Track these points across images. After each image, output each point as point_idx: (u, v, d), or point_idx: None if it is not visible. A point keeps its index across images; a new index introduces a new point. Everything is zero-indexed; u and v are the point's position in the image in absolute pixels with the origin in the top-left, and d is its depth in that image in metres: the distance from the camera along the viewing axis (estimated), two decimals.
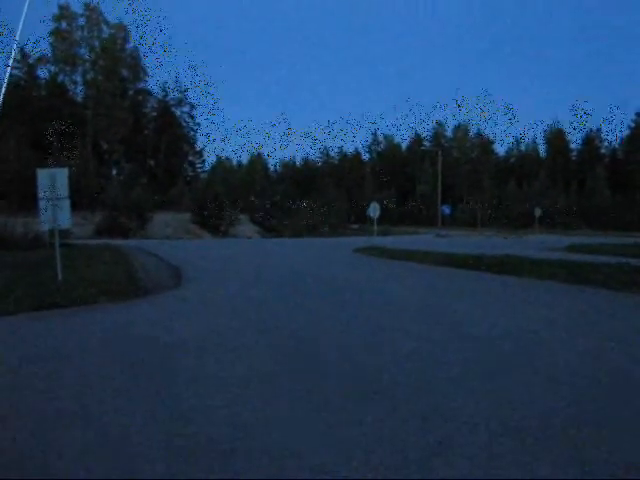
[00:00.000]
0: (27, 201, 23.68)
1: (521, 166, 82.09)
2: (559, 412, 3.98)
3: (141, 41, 62.22)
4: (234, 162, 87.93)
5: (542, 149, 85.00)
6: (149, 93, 66.74)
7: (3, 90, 35.32)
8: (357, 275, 14.24)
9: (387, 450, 3.34)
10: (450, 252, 18.78)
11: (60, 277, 10.81)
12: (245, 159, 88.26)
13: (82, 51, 60.37)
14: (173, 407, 4.10)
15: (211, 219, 45.70)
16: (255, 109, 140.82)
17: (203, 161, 75.55)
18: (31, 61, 58.17)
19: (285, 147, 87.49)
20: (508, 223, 59.66)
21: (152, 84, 67.42)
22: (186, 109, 68.97)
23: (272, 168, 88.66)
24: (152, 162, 63.78)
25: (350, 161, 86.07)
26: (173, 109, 67.92)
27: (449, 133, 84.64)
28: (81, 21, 59.15)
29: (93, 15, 59.25)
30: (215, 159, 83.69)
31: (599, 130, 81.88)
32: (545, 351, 5.80)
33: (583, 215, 62.81)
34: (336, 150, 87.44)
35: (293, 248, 26.82)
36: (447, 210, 60.19)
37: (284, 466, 3.15)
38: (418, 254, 18.87)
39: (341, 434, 3.59)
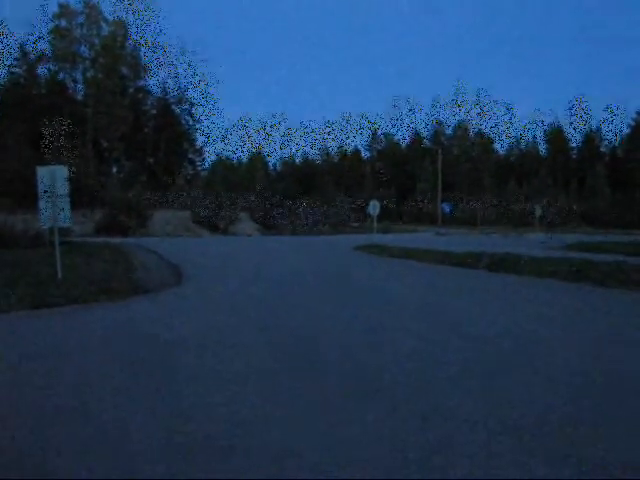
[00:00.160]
0: (27, 199, 23.68)
1: (521, 165, 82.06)
2: (557, 410, 3.99)
3: (141, 41, 62.02)
4: (234, 160, 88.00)
5: (542, 148, 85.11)
6: (149, 91, 66.75)
7: None
8: (357, 273, 14.25)
9: (387, 449, 3.35)
10: (450, 250, 18.78)
11: (60, 275, 10.82)
12: (245, 157, 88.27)
13: (82, 49, 60.35)
14: (173, 404, 4.11)
15: (211, 217, 45.70)
16: (255, 108, 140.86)
17: (203, 159, 75.51)
18: (31, 59, 58.14)
19: (285, 146, 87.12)
20: (508, 221, 59.67)
21: (152, 83, 67.43)
22: (186, 107, 68.95)
23: (272, 166, 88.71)
24: (152, 160, 63.76)
25: (350, 159, 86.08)
26: (173, 107, 67.89)
27: (449, 132, 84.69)
28: (81, 19, 59.15)
29: (93, 13, 59.20)
30: (215, 157, 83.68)
31: (599, 129, 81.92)
32: (543, 349, 5.81)
33: (583, 214, 62.81)
34: (336, 149, 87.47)
35: (293, 246, 26.81)
36: (447, 208, 60.18)
37: (283, 466, 3.16)
38: (418, 252, 18.86)
39: (341, 433, 3.60)
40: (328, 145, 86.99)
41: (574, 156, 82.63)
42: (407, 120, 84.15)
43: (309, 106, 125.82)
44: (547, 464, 3.13)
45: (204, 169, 74.44)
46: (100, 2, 58.42)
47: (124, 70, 62.32)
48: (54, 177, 11.16)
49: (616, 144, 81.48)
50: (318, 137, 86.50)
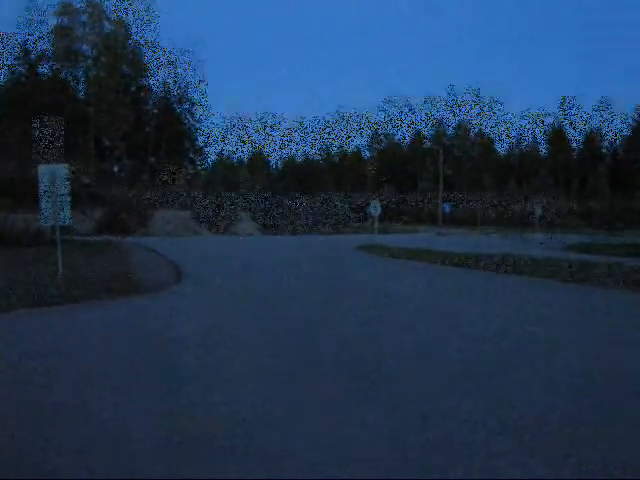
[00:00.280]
0: (28, 198, 23.69)
1: (521, 165, 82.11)
2: (557, 410, 3.99)
3: (141, 41, 62.10)
4: (235, 160, 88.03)
5: (543, 148, 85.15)
6: (150, 89, 66.79)
7: None
8: (359, 274, 14.25)
9: (387, 448, 3.36)
10: (450, 251, 18.78)
11: (61, 273, 10.83)
12: (245, 157, 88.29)
13: (84, 48, 60.40)
14: (172, 403, 4.11)
15: (211, 217, 45.75)
16: (255, 108, 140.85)
17: (204, 159, 75.57)
18: (33, 58, 58.16)
19: (285, 146, 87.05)
20: (508, 222, 59.66)
21: (153, 82, 67.47)
22: (187, 106, 69.00)
23: (273, 166, 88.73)
24: (153, 159, 63.81)
25: (351, 159, 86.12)
26: (174, 106, 67.95)
27: (450, 132, 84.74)
28: (83, 17, 59.19)
29: (95, 12, 59.23)
30: (216, 157, 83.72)
31: (599, 129, 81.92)
32: (543, 350, 5.81)
33: (583, 214, 62.80)
34: (336, 148, 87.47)
35: (293, 246, 26.81)
36: (447, 208, 60.11)
37: (282, 465, 3.16)
38: (418, 252, 18.87)
39: (341, 434, 3.60)
40: (329, 145, 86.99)
41: (575, 156, 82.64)
42: (407, 120, 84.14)
43: (310, 105, 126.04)
44: (547, 464, 3.14)
45: (205, 168, 74.52)
46: (101, 1, 58.38)
47: (125, 69, 62.35)
48: (55, 176, 11.16)
49: (616, 145, 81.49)
50: (318, 137, 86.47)
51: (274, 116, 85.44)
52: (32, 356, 5.48)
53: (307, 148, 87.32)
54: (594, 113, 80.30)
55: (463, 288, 11.35)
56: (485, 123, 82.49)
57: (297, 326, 7.07)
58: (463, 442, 3.42)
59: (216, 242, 30.37)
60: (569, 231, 46.93)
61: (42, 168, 11.42)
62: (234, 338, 6.35)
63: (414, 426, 3.68)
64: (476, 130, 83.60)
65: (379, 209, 28.63)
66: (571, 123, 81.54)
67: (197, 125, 69.56)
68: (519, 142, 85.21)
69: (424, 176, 74.63)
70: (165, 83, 66.51)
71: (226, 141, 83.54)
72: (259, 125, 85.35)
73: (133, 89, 64.51)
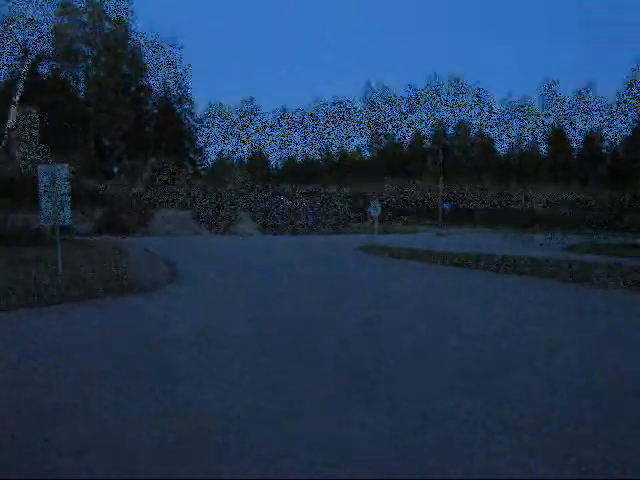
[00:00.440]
0: (28, 198, 23.70)
1: (522, 165, 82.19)
2: (557, 410, 3.99)
3: (141, 41, 62.18)
4: (235, 160, 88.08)
5: (543, 148, 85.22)
6: (150, 89, 66.84)
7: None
8: (359, 274, 14.25)
9: (387, 448, 3.35)
10: (450, 251, 18.78)
11: (60, 273, 10.83)
12: (246, 157, 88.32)
13: (84, 48, 60.42)
14: (168, 402, 4.11)
15: (211, 217, 45.79)
16: (255, 108, 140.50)
17: (204, 158, 75.64)
18: (33, 58, 58.18)
19: (286, 146, 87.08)
20: (508, 222, 59.70)
21: (153, 82, 67.50)
22: (187, 106, 69.05)
23: (273, 166, 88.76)
24: (153, 159, 63.85)
25: (351, 159, 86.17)
26: (174, 106, 68.00)
27: (450, 132, 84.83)
28: (83, 17, 59.22)
29: (95, 12, 59.26)
30: (216, 157, 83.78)
31: (600, 129, 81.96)
32: (543, 350, 5.81)
33: (584, 214, 62.86)
34: (336, 149, 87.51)
35: (293, 246, 26.82)
36: (447, 207, 60.22)
37: (279, 465, 3.16)
38: (418, 253, 18.88)
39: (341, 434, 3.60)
40: (329, 144, 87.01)
41: (575, 156, 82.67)
42: (408, 120, 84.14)
43: (309, 105, 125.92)
44: (547, 464, 3.14)
45: (205, 168, 74.54)
46: (101, 1, 58.36)
47: (125, 69, 62.38)
48: (55, 176, 11.17)
49: (616, 145, 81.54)
50: (318, 137, 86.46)
51: (274, 116, 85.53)
52: (32, 356, 5.48)
53: (307, 148, 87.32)
54: (575, 100, 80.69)
55: (463, 288, 11.36)
56: (486, 121, 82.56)
57: (295, 325, 7.07)
58: (463, 442, 3.42)
59: (216, 242, 30.38)
60: (570, 231, 46.94)
61: (42, 168, 11.43)
62: (230, 337, 6.35)
63: (414, 426, 3.68)
64: (476, 130, 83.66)
65: (379, 209, 28.68)
66: (571, 123, 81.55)
67: (198, 125, 69.61)
68: (519, 142, 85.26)
69: (424, 176, 74.65)
70: (165, 83, 66.54)
71: (226, 141, 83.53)
72: (259, 125, 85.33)
73: (133, 89, 64.55)
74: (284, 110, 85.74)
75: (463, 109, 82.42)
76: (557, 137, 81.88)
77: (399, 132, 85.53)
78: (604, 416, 3.91)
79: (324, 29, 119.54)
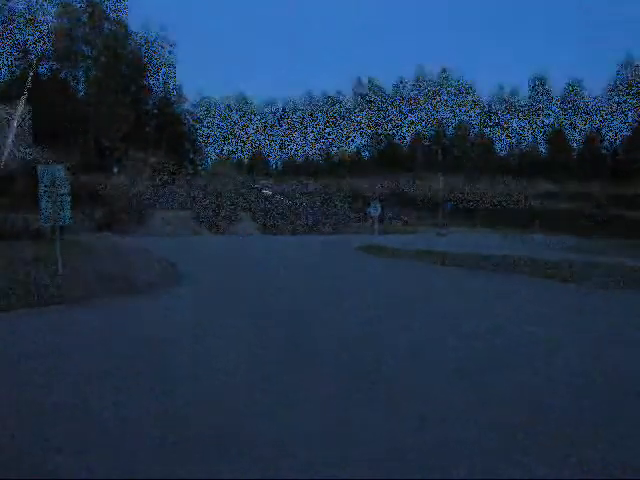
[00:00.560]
0: (28, 198, 23.73)
1: (521, 165, 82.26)
2: (556, 410, 3.99)
3: (142, 40, 62.20)
4: (235, 160, 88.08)
5: (542, 148, 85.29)
6: (150, 89, 66.83)
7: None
8: (361, 275, 14.25)
9: (384, 450, 3.36)
10: (450, 251, 18.77)
11: (60, 272, 10.83)
12: (245, 157, 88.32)
13: (84, 48, 60.41)
14: (168, 403, 4.11)
15: (211, 217, 45.83)
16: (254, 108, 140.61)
17: (204, 159, 75.67)
18: (32, 58, 58.18)
19: (286, 146, 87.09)
20: (508, 222, 59.71)
21: (153, 82, 67.46)
22: (186, 107, 69.13)
23: (272, 166, 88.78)
24: (153, 159, 63.87)
25: (351, 159, 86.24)
26: (174, 106, 68.03)
27: (450, 132, 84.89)
28: (82, 17, 59.21)
29: (95, 12, 59.25)
30: (216, 158, 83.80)
31: (599, 130, 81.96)
32: (543, 349, 5.81)
33: (583, 214, 62.88)
34: (336, 148, 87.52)
35: (293, 246, 26.80)
36: (447, 207, 60.23)
37: (278, 465, 3.15)
38: (419, 253, 18.87)
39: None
40: (329, 144, 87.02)
41: (575, 157, 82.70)
42: (407, 119, 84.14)
43: (309, 105, 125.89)
44: (547, 464, 3.13)
45: (205, 169, 74.56)
46: (101, 1, 58.33)
47: (125, 69, 62.36)
48: (54, 176, 11.16)
49: (616, 145, 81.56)
50: (318, 137, 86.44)
51: (274, 116, 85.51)
52: (32, 356, 5.48)
53: (307, 148, 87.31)
54: (565, 95, 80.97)
55: (464, 288, 11.35)
56: (485, 121, 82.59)
57: (295, 328, 7.07)
58: (459, 440, 3.42)
59: (216, 242, 30.37)
60: (569, 232, 46.92)
61: (42, 168, 11.43)
62: (228, 343, 6.35)
63: (413, 427, 3.69)
64: (476, 130, 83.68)
65: (379, 209, 28.75)
66: (571, 123, 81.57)
67: (198, 125, 69.63)
68: (519, 142, 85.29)
69: (424, 176, 74.66)
70: (165, 83, 66.55)
71: (226, 141, 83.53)
72: (259, 125, 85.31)
73: (133, 89, 64.54)
74: (284, 110, 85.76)
75: (463, 109, 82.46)
76: (557, 137, 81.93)
77: (399, 132, 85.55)
78: (604, 416, 3.91)
79: (321, 28, 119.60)
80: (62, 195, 11.18)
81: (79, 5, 58.14)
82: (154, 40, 61.07)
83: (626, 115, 77.64)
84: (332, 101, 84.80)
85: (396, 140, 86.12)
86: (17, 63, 56.66)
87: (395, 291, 10.68)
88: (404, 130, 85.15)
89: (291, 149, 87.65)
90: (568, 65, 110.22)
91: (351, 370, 4.98)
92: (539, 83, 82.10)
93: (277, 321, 7.45)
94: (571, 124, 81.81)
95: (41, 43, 57.07)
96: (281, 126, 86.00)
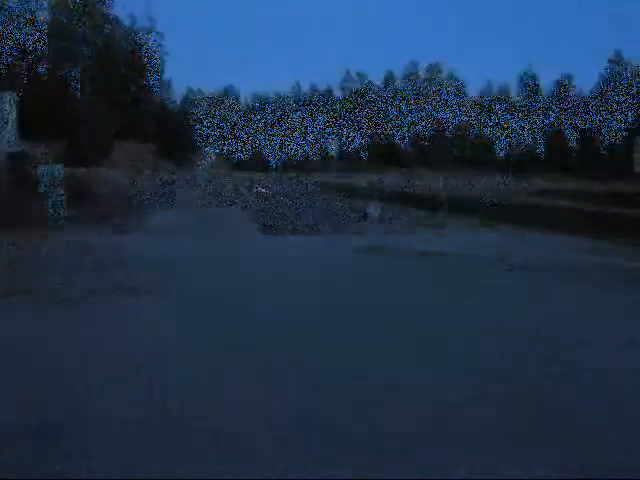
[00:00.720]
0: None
1: (520, 164, 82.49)
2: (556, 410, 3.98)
3: (141, 41, 62.30)
4: (235, 160, 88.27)
5: (542, 147, 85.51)
6: (150, 90, 66.98)
7: None
8: (357, 272, 14.19)
9: None
10: (445, 251, 18.71)
11: None
12: (245, 157, 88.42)
13: (83, 47, 60.47)
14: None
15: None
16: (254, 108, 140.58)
17: (203, 158, 75.79)
18: (32, 57, 58.20)
19: (285, 146, 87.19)
20: (507, 219, 59.85)
21: (153, 82, 67.49)
22: (185, 106, 69.21)
23: (272, 166, 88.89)
24: (151, 157, 63.88)
25: (348, 156, 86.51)
26: (172, 106, 68.19)
27: (450, 130, 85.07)
28: (82, 17, 59.26)
29: (93, 11, 59.30)
30: (215, 157, 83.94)
31: (599, 129, 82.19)
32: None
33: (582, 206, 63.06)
34: (336, 148, 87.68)
35: (293, 245, 26.70)
36: (445, 206, 60.30)
37: (278, 465, 3.15)
38: (417, 252, 18.78)
39: None
40: (328, 145, 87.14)
41: (574, 155, 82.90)
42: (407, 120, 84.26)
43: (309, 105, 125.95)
44: (548, 464, 3.13)
45: (204, 168, 74.67)
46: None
47: (124, 69, 62.30)
48: (54, 176, 11.18)
49: (615, 143, 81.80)
50: (318, 137, 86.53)
51: (275, 116, 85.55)
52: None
53: (307, 148, 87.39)
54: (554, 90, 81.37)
55: (453, 283, 11.30)
56: (485, 120, 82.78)
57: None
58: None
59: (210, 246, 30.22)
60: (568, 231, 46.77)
61: (42, 168, 11.45)
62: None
63: None
64: (476, 130, 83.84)
65: (379, 210, 28.87)
66: (571, 123, 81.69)
67: (197, 126, 69.66)
68: (518, 142, 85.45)
69: (424, 175, 74.77)
70: (163, 84, 66.57)
71: (226, 141, 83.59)
72: (259, 124, 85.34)
73: (133, 89, 64.59)
74: (283, 111, 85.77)
75: (463, 109, 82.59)
76: (556, 136, 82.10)
77: (399, 132, 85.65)
78: (604, 416, 3.90)
79: (318, 26, 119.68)
80: (60, 195, 11.22)
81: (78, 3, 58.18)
82: (143, 33, 61.14)
83: (616, 112, 77.86)
84: (326, 98, 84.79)
85: (396, 140, 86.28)
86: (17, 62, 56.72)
87: (395, 294, 10.66)
88: (404, 130, 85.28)
89: (291, 149, 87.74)
90: (559, 62, 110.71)
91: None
92: (529, 81, 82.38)
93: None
94: (571, 124, 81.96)
95: (41, 43, 57.07)
96: (281, 126, 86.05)
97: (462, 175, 70.72)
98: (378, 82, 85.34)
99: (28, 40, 56.65)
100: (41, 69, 59.08)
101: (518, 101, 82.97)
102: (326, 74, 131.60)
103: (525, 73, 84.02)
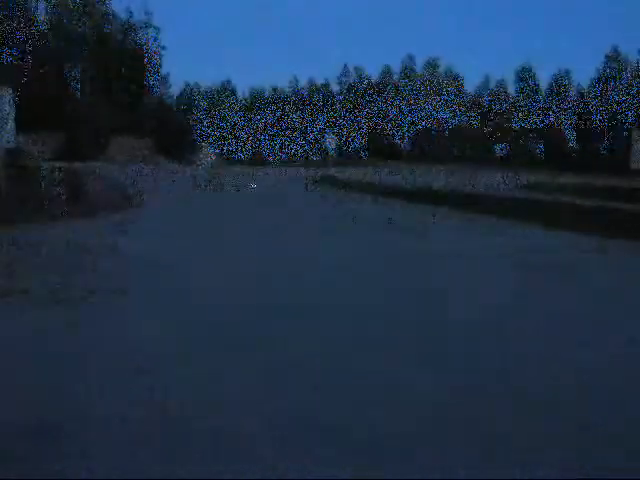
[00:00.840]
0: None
1: (520, 163, 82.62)
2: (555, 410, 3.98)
3: (141, 40, 62.31)
4: (235, 160, 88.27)
5: (541, 145, 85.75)
6: (150, 90, 66.98)
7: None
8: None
9: None
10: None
11: None
12: (245, 157, 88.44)
13: (83, 47, 60.48)
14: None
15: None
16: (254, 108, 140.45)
17: (203, 158, 75.85)
18: (31, 57, 58.18)
19: (285, 146, 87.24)
20: (506, 215, 59.93)
21: (153, 81, 67.46)
22: (185, 106, 69.16)
23: (273, 165, 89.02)
24: (148, 154, 63.81)
25: (348, 155, 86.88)
26: (172, 106, 68.17)
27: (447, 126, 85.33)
28: (82, 17, 59.28)
29: (93, 10, 59.30)
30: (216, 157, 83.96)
31: (598, 129, 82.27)
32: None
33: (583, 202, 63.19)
34: (335, 147, 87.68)
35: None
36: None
37: (278, 465, 3.15)
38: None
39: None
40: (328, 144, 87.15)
41: (573, 155, 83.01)
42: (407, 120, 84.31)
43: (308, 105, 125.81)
44: (548, 465, 3.13)
45: (204, 168, 74.74)
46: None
47: (124, 69, 62.30)
48: None
49: (614, 142, 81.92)
50: (318, 136, 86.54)
51: (274, 116, 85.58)
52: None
53: (306, 148, 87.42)
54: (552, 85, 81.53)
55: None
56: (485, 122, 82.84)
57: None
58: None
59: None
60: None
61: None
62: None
63: None
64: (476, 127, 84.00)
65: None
66: (571, 122, 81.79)
67: (197, 126, 69.69)
68: (517, 142, 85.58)
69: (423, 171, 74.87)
70: (162, 80, 66.56)
71: (226, 141, 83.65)
72: (258, 125, 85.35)
73: (131, 85, 64.57)
74: (283, 110, 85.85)
75: (463, 108, 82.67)
76: (555, 133, 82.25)
77: (399, 132, 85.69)
78: (604, 416, 3.89)
79: (316, 23, 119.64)
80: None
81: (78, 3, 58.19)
82: (140, 27, 61.25)
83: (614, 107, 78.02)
84: (326, 97, 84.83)
85: (396, 140, 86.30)
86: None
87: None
88: (404, 130, 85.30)
89: (291, 149, 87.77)
90: (557, 57, 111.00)
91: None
92: (526, 75, 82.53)
93: None
94: (570, 123, 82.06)
95: (41, 43, 57.10)
96: (281, 126, 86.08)
97: (461, 170, 70.76)
98: (375, 77, 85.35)
99: (28, 40, 56.62)
100: (39, 66, 59.06)
101: (517, 100, 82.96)
102: (324, 68, 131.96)
103: (523, 68, 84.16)
